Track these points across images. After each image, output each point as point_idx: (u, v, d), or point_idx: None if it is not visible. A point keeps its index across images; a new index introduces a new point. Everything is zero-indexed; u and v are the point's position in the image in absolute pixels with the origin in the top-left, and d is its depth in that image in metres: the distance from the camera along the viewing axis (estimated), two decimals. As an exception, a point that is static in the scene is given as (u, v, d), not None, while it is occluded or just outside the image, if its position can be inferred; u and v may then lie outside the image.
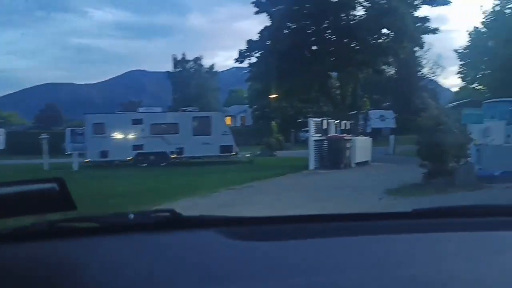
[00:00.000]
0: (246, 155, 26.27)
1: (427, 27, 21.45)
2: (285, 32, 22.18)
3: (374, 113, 45.56)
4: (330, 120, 19.45)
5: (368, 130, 37.76)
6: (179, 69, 66.10)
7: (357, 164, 18.78)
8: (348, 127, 20.65)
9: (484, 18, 37.82)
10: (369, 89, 46.71)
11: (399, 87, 51.47)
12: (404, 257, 1.30)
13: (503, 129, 14.65)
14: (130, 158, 22.65)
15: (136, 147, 22.77)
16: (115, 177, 15.36)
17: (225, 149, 23.37)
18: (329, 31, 22.53)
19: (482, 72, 38.44)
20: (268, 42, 22.86)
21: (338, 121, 20.17)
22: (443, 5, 21.60)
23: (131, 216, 1.40)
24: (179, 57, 66.12)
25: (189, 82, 63.48)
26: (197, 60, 67.45)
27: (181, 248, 1.34)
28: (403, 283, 1.14)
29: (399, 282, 1.14)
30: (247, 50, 23.64)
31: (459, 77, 41.08)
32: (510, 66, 33.50)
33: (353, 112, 27.41)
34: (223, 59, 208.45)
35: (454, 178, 10.97)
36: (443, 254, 1.31)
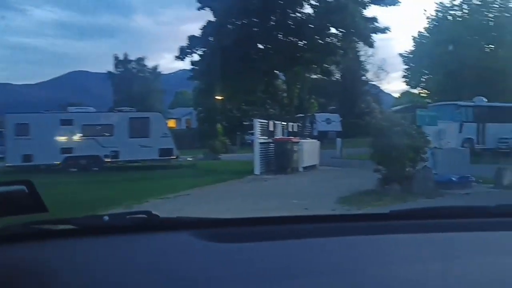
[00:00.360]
0: (188, 159, 24.80)
1: (377, 26, 20.80)
2: (229, 28, 20.79)
3: (320, 116, 45.45)
4: (276, 122, 18.27)
5: (315, 133, 37.54)
6: (120, 69, 63.47)
7: (305, 168, 17.73)
8: (295, 129, 19.58)
9: (427, 23, 38.31)
10: (315, 92, 46.79)
11: (345, 91, 51.89)
12: (382, 258, 1.29)
13: (458, 132, 14.02)
14: (58, 162, 20.55)
15: (65, 150, 20.68)
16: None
17: (165, 152, 21.80)
18: (276, 28, 21.36)
19: (426, 77, 38.87)
20: (211, 39, 21.39)
21: (285, 123, 19.05)
22: (391, 5, 21.08)
23: (107, 218, 1.39)
24: (121, 57, 63.51)
25: (131, 83, 61.03)
26: (139, 60, 65.07)
27: (158, 250, 1.31)
28: (381, 283, 1.14)
29: (377, 283, 1.14)
30: (189, 46, 22.03)
31: (403, 81, 41.47)
32: (453, 71, 33.94)
33: (300, 115, 26.49)
34: (170, 61, 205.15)
35: (412, 184, 10.02)
36: (420, 255, 1.30)
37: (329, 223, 1.57)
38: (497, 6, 35.93)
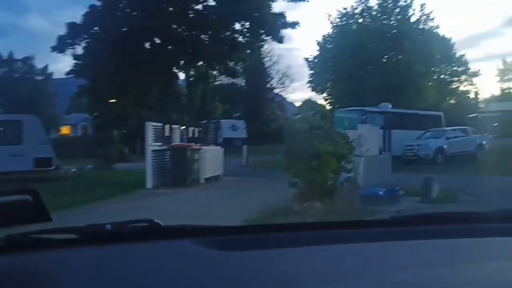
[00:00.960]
0: (72, 170, 21.38)
1: (286, 21, 19.07)
2: (117, 15, 17.72)
3: (225, 123, 43.65)
4: (174, 126, 15.77)
5: (220, 140, 36.18)
6: (3, 70, 56.78)
7: (207, 179, 15.47)
8: (196, 135, 17.20)
9: (331, 28, 38.18)
10: (220, 98, 45.57)
11: (250, 97, 51.00)
12: (383, 265, 1.29)
13: (379, 136, 12.57)
14: None
15: None
16: None
17: (42, 162, 18.28)
18: (174, 19, 18.73)
19: (331, 83, 38.67)
20: (96, 28, 18.23)
21: (184, 127, 16.60)
22: (300, 0, 19.57)
23: (109, 226, 1.39)
24: (5, 56, 56.76)
25: (17, 85, 54.64)
26: (27, 60, 58.49)
27: (161, 258, 1.31)
28: None
29: None
30: (70, 36, 18.61)
31: (308, 87, 40.95)
32: (357, 77, 33.91)
33: (204, 121, 24.18)
34: (68, 64, 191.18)
35: (335, 201, 8.12)
36: (422, 262, 1.30)
37: (331, 230, 1.57)
38: (396, 13, 36.71)
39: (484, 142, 25.10)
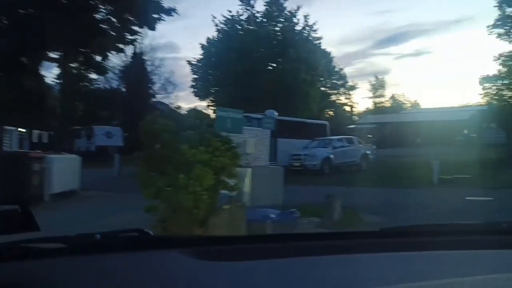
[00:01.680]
0: None
1: (161, 6, 16.29)
2: None
3: (99, 129, 39.68)
4: (8, 128, 12.23)
5: (93, 148, 33.11)
6: None
7: (57, 195, 12.23)
8: (45, 140, 13.75)
9: (216, 31, 36.26)
10: (96, 104, 41.80)
11: (129, 104, 47.33)
12: (373, 276, 1.27)
13: (268, 142, 10.47)
14: None
15: None
16: None
17: None
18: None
19: (215, 88, 36.70)
20: None
21: (25, 130, 13.07)
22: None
23: (98, 236, 1.35)
24: None
25: None
26: None
27: (150, 268, 1.28)
28: None
29: None
30: None
31: (192, 92, 38.43)
32: (242, 83, 32.40)
33: (77, 127, 20.42)
34: None
35: (212, 230, 5.66)
36: (410, 273, 1.28)
37: (320, 241, 1.56)
38: (282, 21, 36.01)
39: (368, 152, 24.89)
